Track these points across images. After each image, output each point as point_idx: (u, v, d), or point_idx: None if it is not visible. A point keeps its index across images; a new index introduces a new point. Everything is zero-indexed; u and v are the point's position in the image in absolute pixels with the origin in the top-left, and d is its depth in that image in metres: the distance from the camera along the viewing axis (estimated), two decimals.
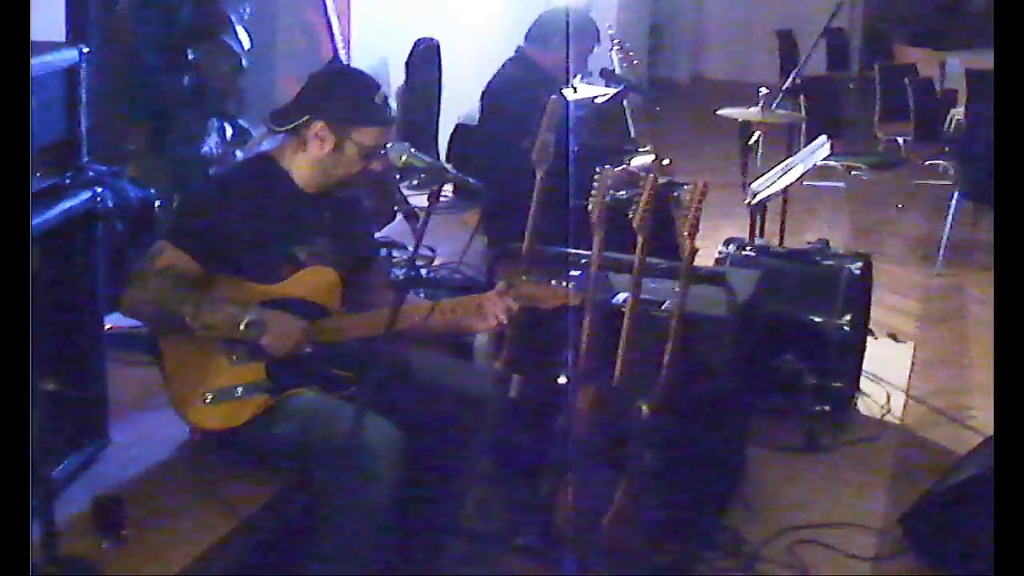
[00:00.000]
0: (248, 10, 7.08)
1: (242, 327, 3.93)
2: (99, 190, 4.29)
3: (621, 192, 5.06)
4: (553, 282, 4.27)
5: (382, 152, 4.22)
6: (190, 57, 6.73)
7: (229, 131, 6.75)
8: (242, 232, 4.09)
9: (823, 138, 7.05)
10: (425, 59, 9.83)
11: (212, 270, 4.04)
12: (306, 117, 4.15)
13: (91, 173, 4.32)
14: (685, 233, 4.47)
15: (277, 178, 4.22)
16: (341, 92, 4.23)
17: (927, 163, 11.05)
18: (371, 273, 4.53)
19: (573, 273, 4.55)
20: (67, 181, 4.14)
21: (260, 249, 4.13)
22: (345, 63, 7.39)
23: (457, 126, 9.74)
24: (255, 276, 4.11)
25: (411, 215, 7.36)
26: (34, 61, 3.94)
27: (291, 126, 4.18)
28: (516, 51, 6.68)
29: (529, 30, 6.68)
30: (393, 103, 9.60)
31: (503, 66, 6.69)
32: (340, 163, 4.19)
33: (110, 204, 5.52)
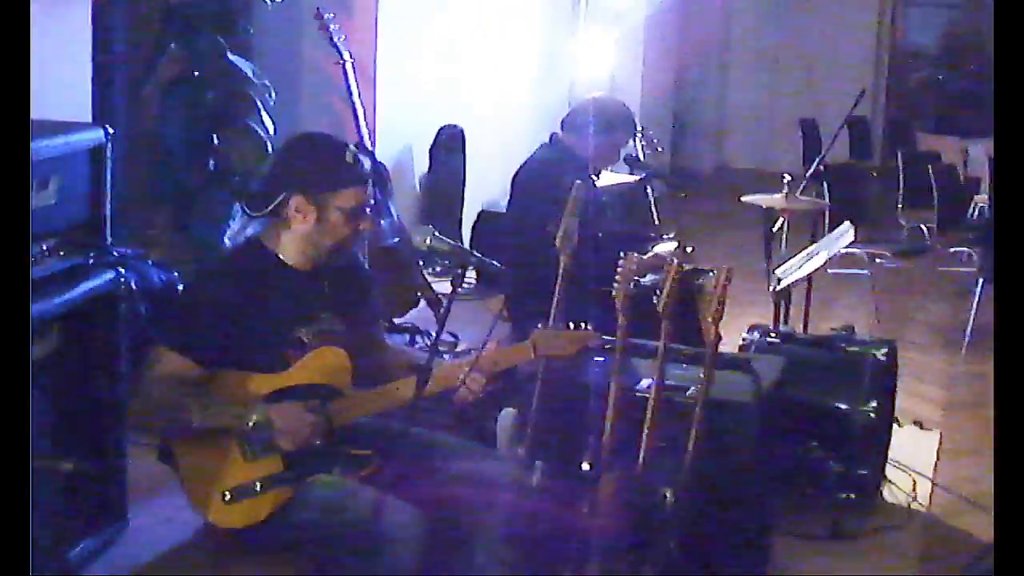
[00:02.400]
0: (273, 96, 7.11)
1: (249, 426, 3.86)
2: (122, 271, 4.27)
3: (646, 278, 5.02)
4: (571, 326, 4.23)
5: (367, 211, 4.12)
6: (215, 141, 6.75)
7: None
8: (239, 324, 3.98)
9: (847, 224, 7.00)
10: (449, 146, 9.85)
11: (214, 368, 3.95)
12: (282, 195, 4.03)
13: (115, 255, 4.29)
14: (710, 319, 4.41)
15: (267, 262, 4.10)
16: (311, 161, 4.10)
17: (951, 250, 11.01)
18: (378, 329, 4.46)
19: (597, 359, 4.51)
20: (90, 261, 4.12)
21: (261, 339, 4.03)
22: (366, 146, 7.40)
23: (481, 213, 9.74)
24: (259, 367, 4.02)
25: (434, 301, 7.36)
26: (58, 141, 3.95)
27: (268, 209, 4.06)
28: (551, 137, 6.66)
29: (565, 117, 6.66)
30: (417, 190, 9.61)
31: (536, 151, 6.66)
32: (327, 232, 4.06)
33: (134, 286, 5.53)
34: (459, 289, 3.96)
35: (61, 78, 5.32)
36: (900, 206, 11.48)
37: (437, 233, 4.10)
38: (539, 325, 4.32)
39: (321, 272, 4.18)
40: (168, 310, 4.73)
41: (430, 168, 9.74)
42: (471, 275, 8.82)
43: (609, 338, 4.55)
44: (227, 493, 3.92)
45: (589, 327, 4.26)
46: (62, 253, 3.96)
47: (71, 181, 4.00)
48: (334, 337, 4.15)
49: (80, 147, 4.06)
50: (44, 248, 3.92)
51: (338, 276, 4.25)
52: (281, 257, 4.11)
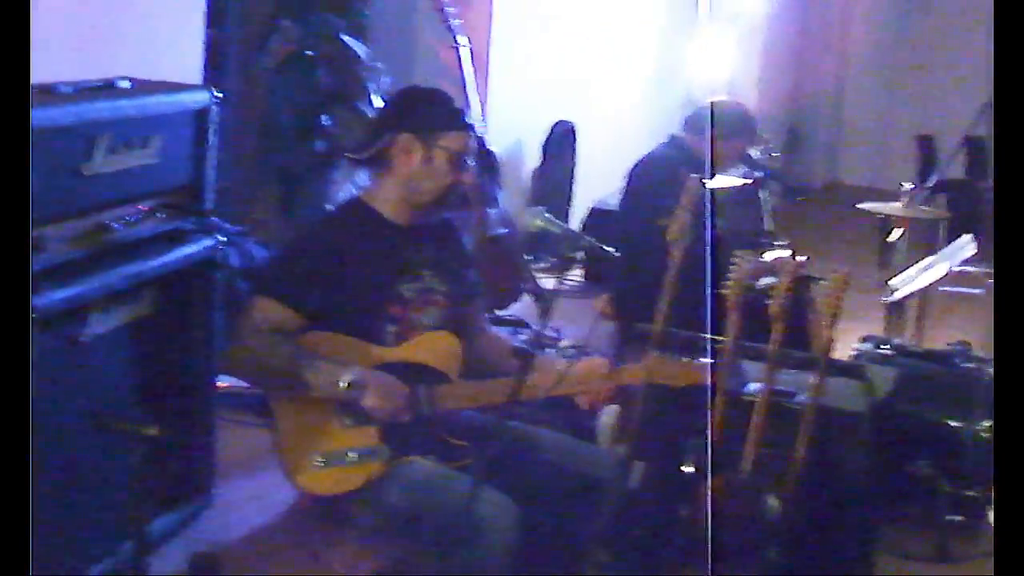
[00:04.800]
0: (387, 79, 7.04)
1: (341, 385, 3.77)
2: (221, 239, 4.19)
3: (760, 282, 4.89)
4: (685, 359, 4.10)
5: (469, 164, 4.13)
6: (325, 123, 6.69)
7: None
8: (339, 277, 3.95)
9: (968, 237, 6.83)
10: (561, 142, 9.80)
11: (314, 322, 3.91)
12: (389, 134, 4.05)
13: (215, 222, 4.22)
14: (824, 323, 4.27)
15: (367, 217, 4.09)
16: (422, 103, 4.18)
17: None
18: (478, 307, 4.43)
19: (704, 359, 4.37)
20: (190, 226, 4.04)
21: (361, 293, 3.99)
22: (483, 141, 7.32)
23: (592, 210, 9.66)
24: (363, 326, 3.98)
25: (539, 296, 7.24)
26: (163, 100, 3.89)
27: (375, 149, 4.07)
28: (669, 137, 6.58)
29: (687, 117, 6.60)
30: (528, 183, 9.54)
31: (655, 148, 6.60)
32: (431, 176, 4.05)
33: (235, 263, 5.47)
34: (565, 277, 3.86)
35: (173, 48, 5.27)
36: None
37: (548, 215, 4.01)
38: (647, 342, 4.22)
39: (420, 230, 4.16)
40: (267, 264, 4.70)
41: (542, 163, 9.66)
42: (578, 272, 8.74)
43: (719, 338, 4.42)
44: (319, 458, 3.86)
45: (705, 362, 4.14)
46: (160, 216, 3.88)
47: (173, 142, 3.93)
48: (435, 298, 4.11)
49: (185, 108, 3.99)
50: (142, 209, 3.85)
51: (436, 236, 4.24)
52: (381, 213, 4.09)
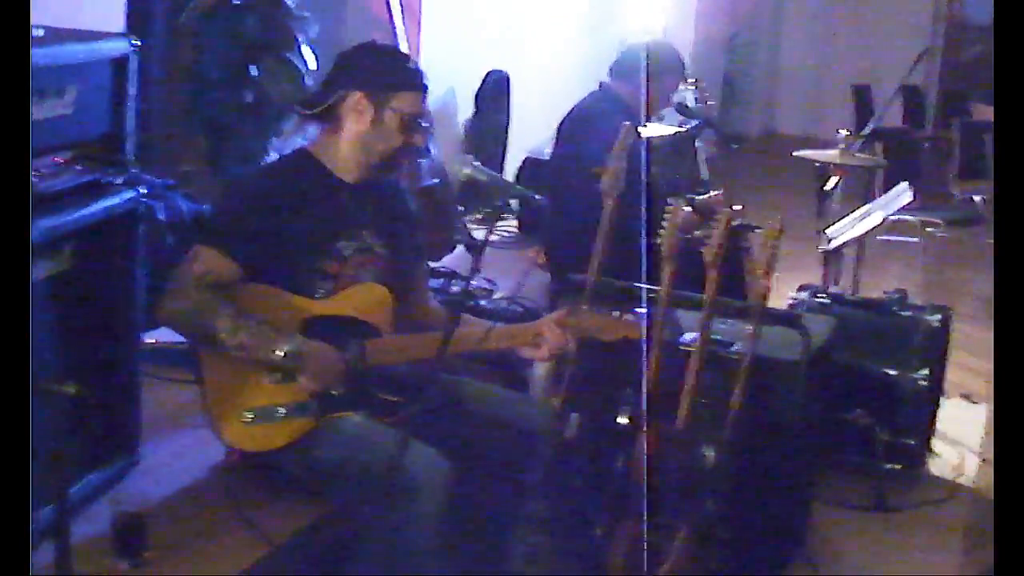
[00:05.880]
0: (315, 29, 6.92)
1: (278, 354, 3.70)
2: (143, 191, 4.08)
3: (695, 232, 4.84)
4: (616, 313, 4.04)
5: (420, 125, 4.06)
6: (253, 73, 6.57)
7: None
8: (279, 229, 3.88)
9: (904, 184, 6.80)
10: (495, 91, 9.76)
11: (252, 274, 3.83)
12: (340, 92, 3.98)
13: (135, 172, 4.11)
14: (759, 272, 4.23)
15: (314, 171, 4.03)
16: (376, 61, 4.10)
17: None
18: (420, 271, 4.40)
19: (639, 309, 4.31)
20: (109, 178, 3.94)
21: (300, 246, 3.92)
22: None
23: (526, 159, 9.62)
24: (297, 280, 3.91)
25: (472, 247, 7.18)
26: (80, 48, 3.80)
27: (325, 105, 4.01)
28: (599, 85, 6.51)
29: (613, 63, 6.51)
30: (461, 133, 9.49)
31: (584, 97, 6.53)
32: (380, 137, 4.00)
33: (162, 217, 5.37)
34: (496, 224, 3.79)
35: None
36: (954, 176, 11.19)
37: (477, 164, 3.94)
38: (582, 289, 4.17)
39: (366, 189, 4.11)
40: (210, 214, 4.62)
41: (475, 113, 9.62)
42: (512, 223, 8.70)
43: (653, 287, 4.37)
44: (248, 413, 3.82)
45: (635, 314, 4.09)
46: (79, 168, 3.79)
47: (90, 92, 3.84)
48: (373, 259, 4.09)
49: (101, 56, 3.90)
50: (59, 161, 3.76)
51: (383, 199, 4.19)
52: (328, 167, 4.04)
